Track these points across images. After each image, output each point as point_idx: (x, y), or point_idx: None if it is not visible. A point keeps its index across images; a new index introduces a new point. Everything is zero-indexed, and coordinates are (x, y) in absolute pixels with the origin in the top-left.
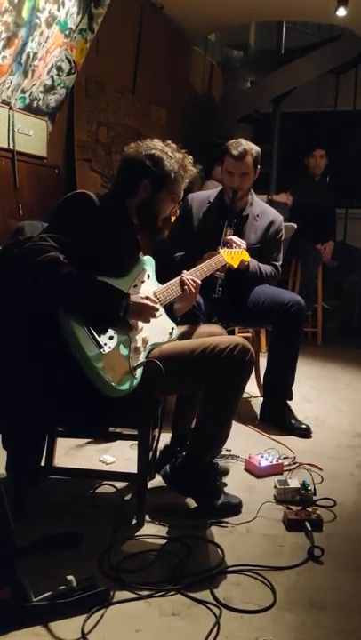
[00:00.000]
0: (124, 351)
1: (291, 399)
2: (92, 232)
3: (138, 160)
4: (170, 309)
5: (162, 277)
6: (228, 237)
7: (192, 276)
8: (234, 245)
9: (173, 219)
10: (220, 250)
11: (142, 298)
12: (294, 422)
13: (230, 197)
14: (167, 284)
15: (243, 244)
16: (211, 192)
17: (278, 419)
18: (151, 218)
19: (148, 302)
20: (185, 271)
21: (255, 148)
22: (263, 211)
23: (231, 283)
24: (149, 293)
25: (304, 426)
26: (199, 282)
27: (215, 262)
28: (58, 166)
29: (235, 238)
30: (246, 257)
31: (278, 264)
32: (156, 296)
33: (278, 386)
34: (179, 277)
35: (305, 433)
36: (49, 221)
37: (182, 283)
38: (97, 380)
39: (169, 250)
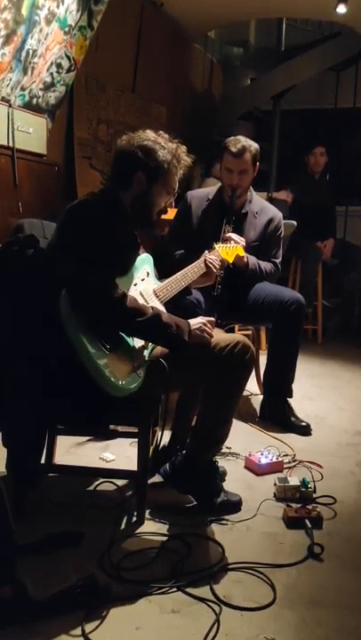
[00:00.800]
0: (127, 351)
1: (291, 397)
2: (92, 234)
3: (130, 152)
4: (181, 292)
5: (161, 275)
6: (228, 235)
7: (190, 271)
8: (231, 242)
9: (173, 215)
10: (216, 245)
11: (201, 323)
12: (294, 420)
13: (229, 195)
14: (166, 280)
15: (242, 241)
16: (210, 189)
17: (278, 417)
18: (146, 211)
19: (207, 329)
20: (206, 251)
21: (254, 146)
22: (262, 208)
23: (231, 281)
24: (149, 291)
25: (304, 423)
26: (220, 262)
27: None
28: (58, 164)
29: (234, 235)
30: (241, 252)
31: (278, 261)
32: (156, 294)
33: (278, 384)
34: (179, 273)
35: (305, 431)
36: (67, 243)
37: (205, 261)
38: (102, 381)
39: (168, 248)
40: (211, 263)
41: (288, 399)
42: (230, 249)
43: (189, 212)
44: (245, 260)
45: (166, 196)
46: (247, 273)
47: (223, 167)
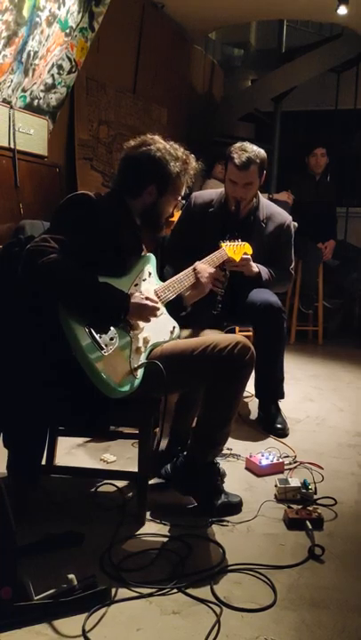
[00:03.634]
0: (125, 352)
1: (282, 398)
2: (93, 232)
3: (141, 163)
4: (175, 303)
5: (163, 276)
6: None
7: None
8: (238, 240)
9: (176, 215)
10: (222, 244)
11: (142, 298)
12: (277, 424)
13: (234, 207)
14: (168, 281)
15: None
16: (213, 193)
17: (264, 418)
18: (155, 219)
19: (148, 302)
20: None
21: (261, 155)
22: (271, 215)
23: (232, 281)
24: (150, 292)
25: (280, 426)
26: (213, 270)
27: (217, 257)
28: (59, 165)
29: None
30: (249, 250)
31: (291, 267)
32: (157, 294)
33: (265, 387)
34: (181, 274)
35: (281, 433)
36: (50, 222)
37: (195, 270)
38: (98, 382)
39: (170, 249)
40: (201, 275)
41: (279, 400)
42: (237, 247)
43: (193, 217)
44: (256, 270)
45: (174, 202)
46: (263, 285)
47: (227, 178)
